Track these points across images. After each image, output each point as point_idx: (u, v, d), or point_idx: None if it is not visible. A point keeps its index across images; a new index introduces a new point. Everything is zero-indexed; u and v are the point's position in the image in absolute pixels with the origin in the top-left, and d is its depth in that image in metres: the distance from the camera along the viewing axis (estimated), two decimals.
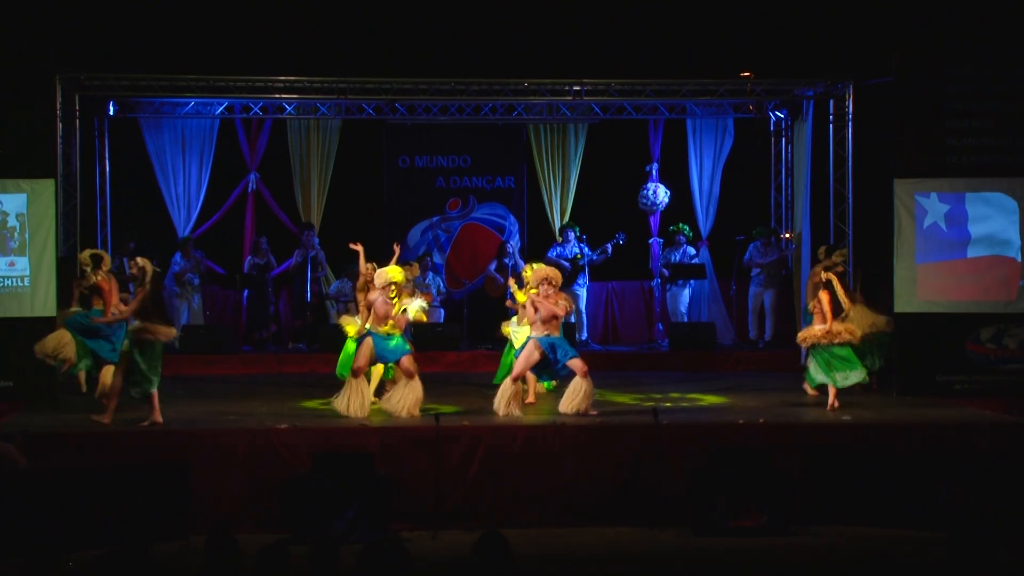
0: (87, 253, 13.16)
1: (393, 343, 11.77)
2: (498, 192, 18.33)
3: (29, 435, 10.27)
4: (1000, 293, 13.55)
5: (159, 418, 11.14)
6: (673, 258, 17.37)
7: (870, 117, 15.14)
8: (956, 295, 13.54)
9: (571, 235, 17.26)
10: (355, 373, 11.69)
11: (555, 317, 11.72)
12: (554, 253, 17.29)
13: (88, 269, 12.98)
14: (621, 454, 10.83)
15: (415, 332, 16.54)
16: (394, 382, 12.07)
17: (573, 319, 16.92)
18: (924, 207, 13.54)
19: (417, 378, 11.73)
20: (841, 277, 13.04)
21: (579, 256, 17.07)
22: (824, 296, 12.42)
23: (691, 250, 17.47)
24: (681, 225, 17.47)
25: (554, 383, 12.90)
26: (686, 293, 17.48)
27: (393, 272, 11.89)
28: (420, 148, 18.21)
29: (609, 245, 17.10)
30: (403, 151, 18.19)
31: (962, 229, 13.57)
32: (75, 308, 13.36)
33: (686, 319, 17.35)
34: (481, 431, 10.94)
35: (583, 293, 17.24)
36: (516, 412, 11.58)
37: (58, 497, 9.69)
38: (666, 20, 16.55)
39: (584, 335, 17.29)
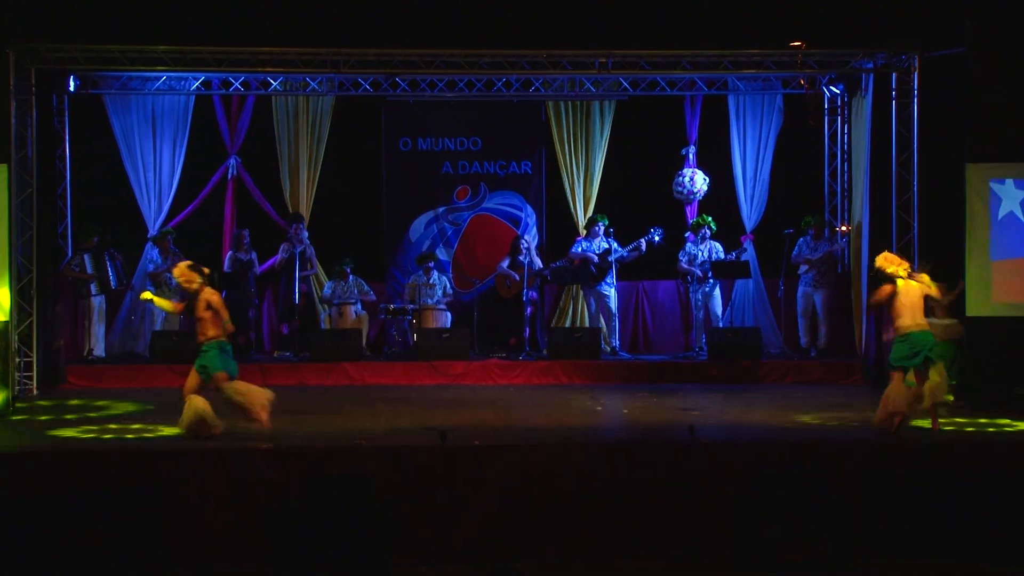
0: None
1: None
2: (513, 179, 18.27)
3: None
4: None
5: None
6: (696, 254, 17.19)
7: (939, 93, 15.01)
8: None
9: (599, 228, 17.19)
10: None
11: None
12: (580, 248, 17.21)
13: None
14: (652, 477, 10.76)
15: (419, 339, 16.60)
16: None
17: (603, 324, 16.86)
18: (999, 195, 13.47)
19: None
20: None
21: (608, 252, 16.98)
22: None
23: (717, 245, 17.27)
24: (705, 216, 17.32)
25: None
26: (717, 294, 17.33)
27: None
28: (424, 129, 18.16)
29: (643, 241, 17.02)
30: (404, 132, 18.14)
31: None
32: None
33: (722, 323, 17.23)
34: (494, 452, 10.87)
35: (612, 294, 17.14)
36: None
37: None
38: None
39: (616, 341, 17.18)
